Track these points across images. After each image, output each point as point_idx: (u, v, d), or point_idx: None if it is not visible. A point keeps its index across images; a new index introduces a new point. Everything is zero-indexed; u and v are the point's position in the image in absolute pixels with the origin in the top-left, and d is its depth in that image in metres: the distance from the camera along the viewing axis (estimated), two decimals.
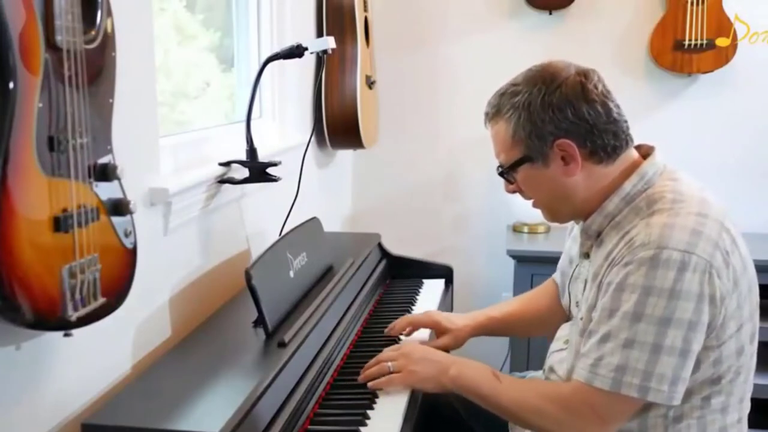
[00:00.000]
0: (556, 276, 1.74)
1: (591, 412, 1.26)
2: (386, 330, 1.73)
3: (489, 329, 1.77)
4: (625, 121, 1.36)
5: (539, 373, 1.66)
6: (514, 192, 1.46)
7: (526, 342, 2.81)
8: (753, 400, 1.41)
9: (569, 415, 1.29)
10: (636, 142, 1.42)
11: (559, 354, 1.53)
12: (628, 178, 1.34)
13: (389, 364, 1.43)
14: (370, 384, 1.42)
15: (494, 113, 1.39)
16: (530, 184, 1.40)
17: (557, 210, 1.44)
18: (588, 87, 1.32)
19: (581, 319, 1.37)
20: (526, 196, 1.45)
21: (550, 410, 1.30)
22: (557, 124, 1.32)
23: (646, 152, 1.40)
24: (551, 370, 1.54)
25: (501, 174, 1.43)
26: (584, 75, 1.34)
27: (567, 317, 1.63)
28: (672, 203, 1.28)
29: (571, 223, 1.56)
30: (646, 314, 1.21)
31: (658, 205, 1.29)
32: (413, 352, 1.46)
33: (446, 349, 1.77)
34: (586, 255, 1.44)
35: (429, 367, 1.42)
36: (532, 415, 1.33)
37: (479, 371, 1.40)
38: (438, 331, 1.73)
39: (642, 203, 1.32)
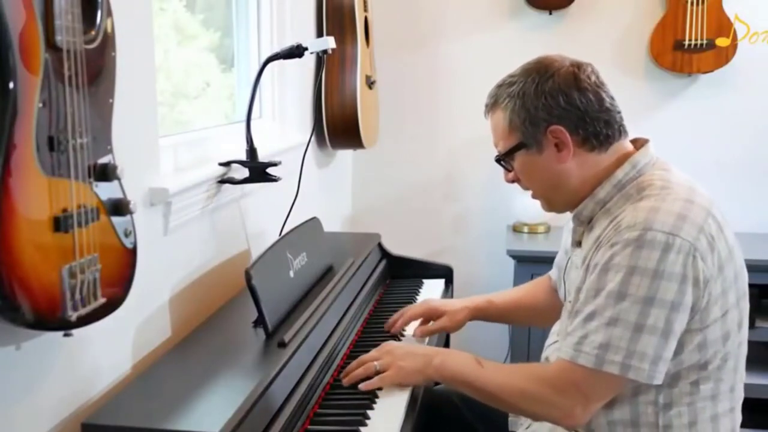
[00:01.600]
0: (552, 273, 1.76)
1: (575, 389, 1.28)
2: (386, 326, 1.76)
3: (487, 313, 1.80)
4: (619, 112, 1.40)
5: None
6: (512, 181, 1.49)
7: (527, 338, 2.81)
8: (753, 400, 1.42)
9: (555, 394, 1.30)
10: (632, 136, 1.45)
11: (553, 346, 1.54)
12: (621, 167, 1.38)
13: (375, 363, 1.44)
14: (361, 385, 1.42)
15: (492, 104, 1.45)
16: (526, 171, 1.44)
17: (552, 198, 1.47)
18: (580, 77, 1.37)
19: (570, 301, 1.39)
20: (524, 185, 1.48)
21: (536, 391, 1.32)
22: (549, 111, 1.36)
23: (641, 145, 1.43)
24: (547, 360, 1.54)
25: (498, 161, 1.46)
26: (577, 66, 1.39)
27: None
28: (660, 189, 1.32)
29: (567, 214, 1.57)
30: (629, 293, 1.23)
31: (647, 191, 1.32)
32: (396, 348, 1.48)
33: (443, 331, 1.82)
34: (578, 243, 1.46)
35: (415, 360, 1.44)
36: (518, 397, 1.35)
37: (462, 359, 1.43)
38: (436, 316, 1.77)
39: (632, 190, 1.35)
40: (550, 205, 1.49)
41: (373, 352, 1.49)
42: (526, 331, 2.80)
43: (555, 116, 1.36)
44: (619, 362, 1.23)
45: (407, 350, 1.48)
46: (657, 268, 1.22)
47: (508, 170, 1.47)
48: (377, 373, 1.44)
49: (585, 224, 1.42)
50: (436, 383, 1.52)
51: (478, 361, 1.41)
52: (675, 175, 1.37)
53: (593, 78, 1.38)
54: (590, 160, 1.38)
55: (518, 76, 1.41)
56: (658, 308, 1.23)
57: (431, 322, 1.78)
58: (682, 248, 1.23)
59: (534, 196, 1.50)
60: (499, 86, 1.44)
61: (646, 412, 1.32)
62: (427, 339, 1.76)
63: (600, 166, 1.39)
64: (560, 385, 1.29)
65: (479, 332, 1.91)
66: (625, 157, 1.39)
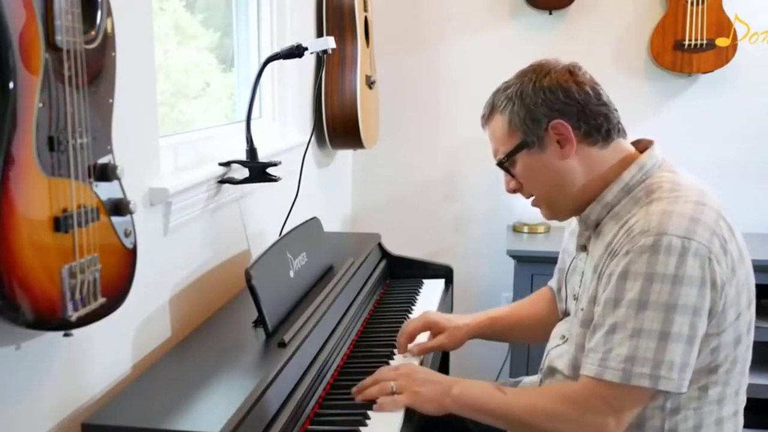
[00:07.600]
0: (552, 283, 1.73)
1: (604, 405, 1.26)
2: (398, 351, 1.65)
3: (489, 330, 1.74)
4: (616, 110, 1.41)
5: (535, 378, 1.65)
6: (514, 191, 1.47)
7: (526, 346, 2.80)
8: (753, 400, 1.42)
9: (583, 412, 1.28)
10: (633, 137, 1.44)
11: (556, 350, 1.52)
12: (627, 169, 1.36)
13: (391, 383, 1.39)
14: (375, 407, 1.37)
15: (490, 111, 1.45)
16: (528, 172, 1.42)
17: (556, 202, 1.44)
18: (576, 72, 1.39)
19: (582, 309, 1.37)
20: (526, 192, 1.46)
21: (563, 410, 1.30)
22: (550, 105, 1.36)
23: (644, 147, 1.42)
24: (550, 370, 1.52)
25: (500, 165, 1.45)
26: (572, 65, 1.41)
27: (561, 318, 1.62)
28: (670, 192, 1.30)
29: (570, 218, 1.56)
30: (651, 301, 1.22)
31: (657, 194, 1.31)
32: (415, 372, 1.43)
33: (443, 349, 1.76)
34: (583, 247, 1.45)
35: (433, 388, 1.39)
36: (545, 419, 1.32)
37: (482, 387, 1.40)
38: (435, 330, 1.71)
39: (641, 193, 1.34)
40: (554, 211, 1.46)
41: (391, 371, 1.43)
42: None
43: (556, 110, 1.36)
44: (647, 374, 1.22)
45: (426, 377, 1.43)
46: (676, 274, 1.21)
47: (510, 175, 1.44)
48: (392, 393, 1.39)
49: (592, 228, 1.41)
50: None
51: (498, 388, 1.38)
52: (683, 177, 1.36)
53: (588, 76, 1.40)
54: (593, 157, 1.38)
55: (513, 79, 1.42)
56: (681, 314, 1.21)
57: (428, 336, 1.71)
58: (699, 252, 1.21)
59: (536, 203, 1.47)
60: (495, 93, 1.44)
61: (652, 416, 1.31)
62: (422, 357, 1.65)
63: (604, 166, 1.38)
64: (587, 402, 1.28)
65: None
66: (629, 159, 1.38)
